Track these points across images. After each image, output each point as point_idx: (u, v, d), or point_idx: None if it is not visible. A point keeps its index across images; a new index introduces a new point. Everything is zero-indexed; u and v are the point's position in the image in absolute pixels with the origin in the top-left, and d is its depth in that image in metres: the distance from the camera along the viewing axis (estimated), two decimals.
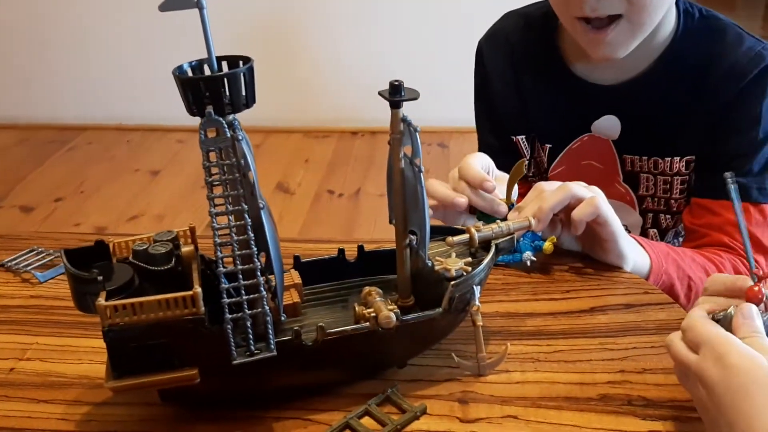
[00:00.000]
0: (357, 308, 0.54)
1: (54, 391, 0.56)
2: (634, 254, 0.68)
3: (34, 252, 0.75)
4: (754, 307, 0.48)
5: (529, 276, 0.68)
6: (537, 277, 0.67)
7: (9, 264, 0.73)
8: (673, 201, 0.84)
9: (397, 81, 0.50)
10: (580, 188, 0.65)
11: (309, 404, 0.53)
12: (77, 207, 2.15)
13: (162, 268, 0.51)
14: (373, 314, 0.52)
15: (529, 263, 0.67)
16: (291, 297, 0.56)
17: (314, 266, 0.60)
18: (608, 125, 0.84)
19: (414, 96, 0.50)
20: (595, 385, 0.53)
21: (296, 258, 0.59)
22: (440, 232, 0.59)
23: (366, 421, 0.52)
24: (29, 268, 0.72)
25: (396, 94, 0.50)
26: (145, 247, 0.52)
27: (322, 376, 0.54)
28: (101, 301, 0.47)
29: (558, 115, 0.86)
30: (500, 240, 0.58)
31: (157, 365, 0.48)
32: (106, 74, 2.62)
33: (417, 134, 0.50)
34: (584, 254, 0.70)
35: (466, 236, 0.57)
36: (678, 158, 0.81)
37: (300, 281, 0.57)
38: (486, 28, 0.93)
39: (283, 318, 0.52)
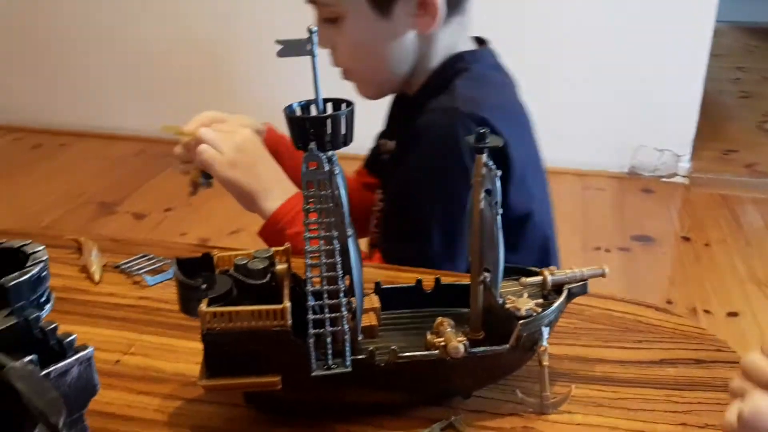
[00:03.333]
0: (429, 336, 0.57)
1: (152, 385, 0.63)
2: None
3: (146, 258, 0.83)
4: None
5: (601, 323, 0.69)
6: (609, 324, 0.69)
7: (123, 267, 0.82)
8: None
9: (482, 129, 0.54)
10: None
11: (377, 421, 0.57)
12: (184, 218, 2.30)
13: (258, 282, 0.56)
14: (443, 343, 0.55)
15: None
16: (369, 320, 0.60)
17: (393, 293, 0.64)
18: None
19: (498, 144, 0.54)
20: None
21: (377, 284, 0.64)
22: (514, 273, 0.62)
23: None
24: (140, 271, 0.80)
25: (480, 141, 0.54)
26: (245, 262, 0.57)
27: (391, 397, 0.58)
28: (203, 307, 0.52)
29: None
30: (573, 285, 0.60)
31: (245, 369, 0.54)
32: (221, 97, 2.80)
33: (497, 178, 0.54)
34: (660, 307, 0.71)
35: (539, 278, 0.60)
36: None
37: (379, 305, 0.61)
38: None
39: (360, 338, 0.57)
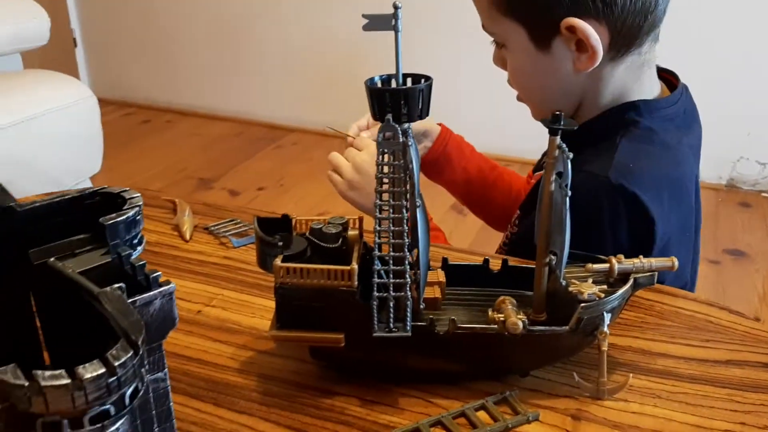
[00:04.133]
0: (490, 313, 0.59)
1: (228, 335, 0.67)
2: None
3: (233, 222, 0.89)
4: None
5: (670, 320, 0.68)
6: (678, 322, 0.68)
7: (212, 228, 0.87)
8: None
9: (558, 111, 0.54)
10: None
11: (434, 389, 0.59)
12: (275, 197, 2.39)
13: (330, 246, 0.60)
14: (502, 319, 0.57)
15: None
16: (434, 292, 0.62)
17: (460, 270, 0.66)
18: None
19: (572, 126, 0.54)
20: (712, 430, 0.54)
21: (444, 260, 0.66)
22: (581, 259, 0.62)
23: (481, 414, 0.57)
24: (227, 234, 0.86)
25: (555, 123, 0.54)
26: (320, 227, 0.61)
27: (449, 367, 0.60)
28: (278, 262, 0.56)
29: None
30: (640, 275, 0.60)
31: (312, 325, 0.57)
32: (315, 83, 2.88)
33: (569, 160, 0.54)
34: (734, 310, 0.69)
35: (606, 266, 0.60)
36: None
37: (444, 280, 0.63)
38: None
39: (422, 306, 0.59)
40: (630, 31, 0.77)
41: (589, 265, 0.61)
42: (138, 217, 0.53)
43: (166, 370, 0.49)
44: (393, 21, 0.51)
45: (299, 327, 0.57)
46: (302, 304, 0.56)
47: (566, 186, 0.56)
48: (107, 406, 0.38)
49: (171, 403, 0.50)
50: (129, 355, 0.38)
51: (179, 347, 0.65)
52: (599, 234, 0.73)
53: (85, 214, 0.54)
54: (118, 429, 0.40)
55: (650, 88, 0.85)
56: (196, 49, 3.10)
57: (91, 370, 0.36)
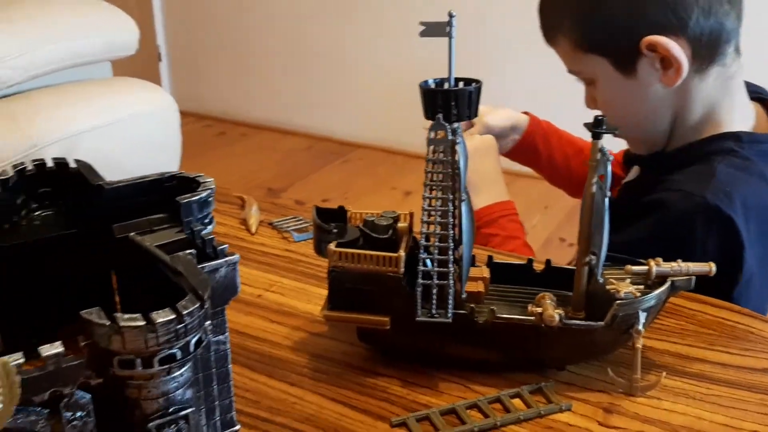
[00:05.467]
0: (529, 307, 0.62)
1: (284, 317, 0.72)
2: None
3: (295, 219, 0.94)
4: None
5: (711, 328, 0.69)
6: (719, 331, 0.69)
7: (275, 224, 0.93)
8: None
9: (600, 116, 0.58)
10: None
11: (472, 376, 0.63)
12: None
13: (381, 236, 0.64)
14: (540, 311, 0.60)
15: None
16: (477, 287, 0.66)
17: (504, 268, 0.69)
18: None
19: (613, 129, 0.57)
20: (741, 431, 0.55)
21: (490, 258, 0.69)
22: (621, 262, 0.64)
23: (515, 401, 0.60)
24: (289, 229, 0.91)
25: (598, 127, 0.58)
26: (372, 219, 0.65)
27: (487, 355, 0.63)
28: (332, 246, 0.61)
29: None
30: (678, 278, 0.62)
31: (360, 307, 0.62)
32: (382, 101, 2.95)
33: (609, 163, 0.57)
34: None
35: (644, 268, 0.62)
36: None
37: (488, 276, 0.67)
38: None
39: (464, 296, 0.62)
40: (709, 41, 0.79)
41: (628, 267, 0.63)
42: (210, 199, 0.59)
43: (227, 334, 0.55)
44: (447, 28, 0.56)
45: (349, 309, 0.62)
46: (352, 288, 0.61)
47: (606, 189, 0.59)
48: (174, 350, 0.43)
49: (230, 366, 0.56)
50: (196, 306, 0.43)
51: (240, 325, 0.71)
52: (689, 252, 0.70)
53: (164, 195, 0.60)
54: (182, 374, 0.45)
55: (742, 107, 0.86)
56: (271, 68, 3.23)
57: (163, 315, 0.42)
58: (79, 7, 1.49)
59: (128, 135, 1.43)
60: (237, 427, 0.57)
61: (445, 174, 0.58)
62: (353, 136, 3.07)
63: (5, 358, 0.39)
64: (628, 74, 0.82)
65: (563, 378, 0.62)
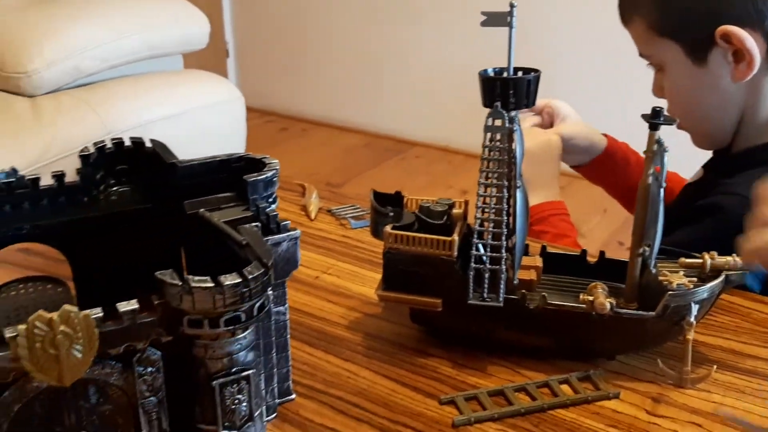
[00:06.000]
0: (581, 296, 0.63)
1: (340, 298, 0.75)
2: None
3: (353, 207, 0.97)
4: None
5: (766, 326, 0.69)
6: None
7: (334, 211, 0.96)
8: None
9: (658, 107, 0.58)
10: None
11: (521, 361, 0.64)
12: None
13: (436, 222, 0.66)
14: (591, 299, 0.60)
15: None
16: (530, 275, 0.67)
17: (558, 258, 0.70)
18: None
19: (671, 121, 0.58)
20: None
21: (543, 248, 0.70)
22: (675, 255, 0.64)
23: (563, 387, 0.61)
24: (347, 216, 0.94)
25: (656, 118, 0.58)
26: (428, 205, 0.67)
27: (537, 342, 0.64)
28: (388, 228, 0.63)
29: None
30: (732, 272, 0.61)
31: (413, 289, 0.64)
32: (441, 100, 2.96)
33: (666, 154, 0.58)
34: None
35: (699, 261, 0.62)
36: None
37: (541, 265, 0.68)
38: None
39: (516, 282, 0.64)
40: None
41: (682, 260, 0.63)
42: (274, 179, 0.62)
43: (286, 305, 0.58)
44: (508, 18, 0.57)
45: (402, 290, 0.64)
46: (406, 269, 0.63)
47: (662, 180, 0.59)
48: (239, 313, 0.46)
49: (288, 336, 0.59)
50: (261, 272, 0.46)
51: (299, 303, 0.74)
52: None
53: (231, 175, 0.63)
54: (245, 337, 0.48)
55: None
56: (333, 66, 3.28)
57: (230, 279, 0.45)
58: (155, 2, 1.56)
59: (197, 125, 1.49)
60: (293, 396, 0.60)
61: (501, 161, 0.60)
62: (411, 134, 3.09)
63: (87, 311, 0.43)
64: (699, 63, 0.81)
65: (612, 367, 0.63)
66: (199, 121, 1.49)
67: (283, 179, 1.06)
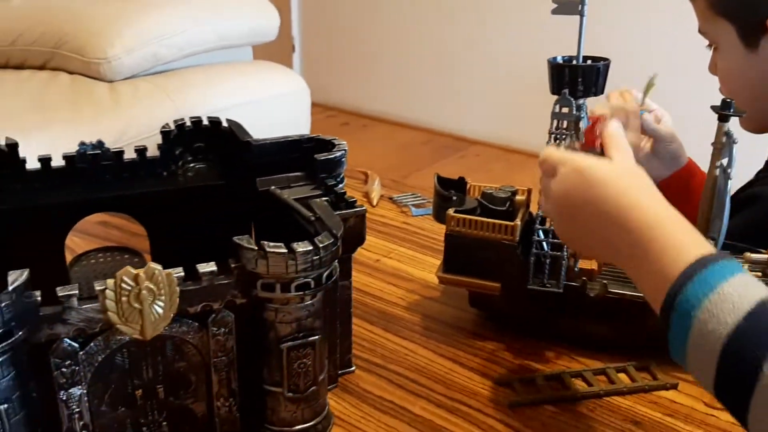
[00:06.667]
0: None
1: (400, 281, 0.77)
2: None
3: (413, 195, 0.99)
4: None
5: None
6: None
7: (395, 198, 0.98)
8: None
9: (728, 99, 0.58)
10: None
11: (578, 349, 0.64)
12: None
13: (498, 208, 0.67)
14: None
15: None
16: (591, 264, 0.67)
17: None
18: None
19: (741, 113, 0.58)
20: None
21: None
22: (740, 250, 0.64)
23: (621, 376, 0.61)
24: (408, 203, 0.96)
25: (725, 109, 0.58)
26: (491, 192, 0.68)
27: (596, 330, 0.64)
28: (450, 212, 0.65)
29: None
30: None
31: (473, 272, 0.65)
32: (501, 100, 2.95)
33: (735, 146, 0.57)
34: None
35: (764, 256, 0.62)
36: None
37: None
38: None
39: (576, 269, 0.64)
40: None
41: (747, 255, 0.62)
42: (343, 159, 0.65)
43: (351, 280, 0.60)
44: (579, 6, 0.58)
45: (462, 273, 0.65)
46: (467, 253, 0.64)
47: (730, 173, 0.59)
48: (309, 279, 0.48)
49: (351, 309, 0.61)
50: (330, 241, 0.48)
51: (360, 284, 0.76)
52: None
53: (302, 155, 0.66)
54: (313, 304, 0.50)
55: None
56: (395, 64, 3.31)
57: (302, 246, 0.47)
58: None
59: (264, 115, 1.53)
60: (353, 368, 0.62)
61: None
62: (471, 132, 3.09)
63: (170, 270, 0.46)
64: (751, 47, 0.81)
65: (670, 359, 0.63)
66: (267, 111, 1.53)
67: (348, 169, 1.09)
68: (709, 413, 0.57)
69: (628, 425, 0.56)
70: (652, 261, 0.45)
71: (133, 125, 1.29)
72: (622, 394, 0.59)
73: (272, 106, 1.55)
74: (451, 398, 0.59)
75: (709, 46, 0.87)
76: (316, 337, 0.51)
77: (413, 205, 0.96)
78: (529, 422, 0.56)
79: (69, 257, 0.66)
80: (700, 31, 0.87)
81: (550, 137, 0.61)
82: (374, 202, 0.97)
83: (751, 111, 0.86)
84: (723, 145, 0.59)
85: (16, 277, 0.43)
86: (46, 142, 1.07)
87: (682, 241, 0.45)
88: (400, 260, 0.82)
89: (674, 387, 0.59)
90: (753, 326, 0.40)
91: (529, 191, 0.70)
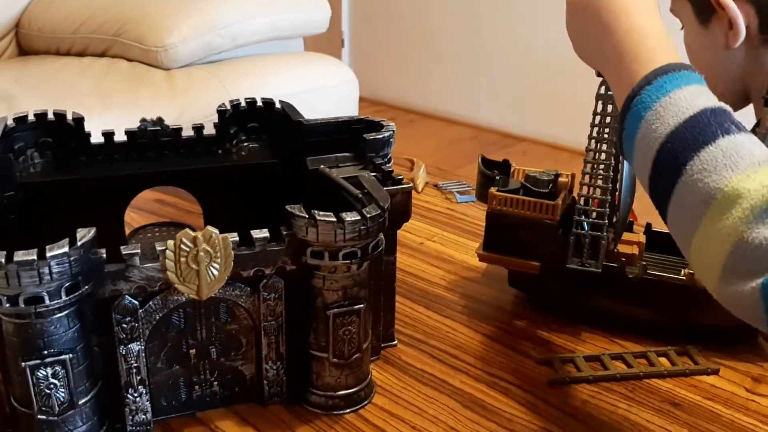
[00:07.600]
0: (683, 270, 0.63)
1: (441, 263, 0.79)
2: None
3: (458, 183, 1.00)
4: None
5: None
6: None
7: (440, 186, 1.00)
8: None
9: (725, 95, 0.58)
10: None
11: (617, 331, 0.65)
12: None
13: (541, 190, 0.68)
14: (692, 273, 0.61)
15: None
16: (632, 250, 0.68)
17: (663, 237, 0.70)
18: None
19: None
20: None
21: (648, 225, 0.71)
22: None
23: (662, 359, 0.61)
24: (453, 190, 0.97)
25: None
26: (534, 174, 0.70)
27: (635, 312, 0.65)
28: (493, 190, 0.66)
29: None
30: None
31: (514, 251, 0.66)
32: (549, 98, 2.93)
33: None
34: None
35: None
36: None
37: (644, 242, 0.68)
38: None
39: (616, 251, 0.65)
40: None
41: None
42: (391, 139, 0.67)
43: (396, 255, 0.62)
44: None
45: (502, 251, 0.67)
46: (508, 231, 0.66)
47: None
48: (356, 249, 0.51)
49: (395, 284, 0.63)
50: (377, 213, 0.50)
51: (404, 265, 0.78)
52: None
53: (351, 135, 0.68)
54: (359, 274, 0.52)
55: None
56: (443, 60, 3.32)
57: (351, 216, 0.49)
58: None
59: (314, 105, 1.56)
60: (395, 342, 0.64)
61: (611, 127, 0.61)
62: (518, 129, 3.08)
63: (226, 234, 0.49)
64: (705, 25, 0.82)
65: (712, 343, 0.63)
66: (317, 101, 1.56)
67: (394, 154, 1.11)
68: (750, 398, 0.57)
69: (667, 406, 0.57)
70: (625, 65, 0.48)
71: (188, 111, 1.33)
72: (662, 377, 0.60)
73: (322, 97, 1.58)
74: (491, 374, 0.60)
75: (682, 28, 0.89)
76: (361, 305, 0.53)
77: (458, 191, 0.97)
78: (568, 400, 0.57)
79: (127, 231, 0.70)
80: (670, 10, 0.89)
81: (594, 117, 0.62)
82: (419, 189, 0.99)
83: (717, 93, 0.86)
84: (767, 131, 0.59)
85: (84, 234, 0.46)
86: (105, 124, 1.12)
87: (654, 49, 0.47)
88: (443, 244, 0.83)
89: (715, 372, 0.60)
90: (689, 128, 0.42)
91: (572, 176, 0.71)
